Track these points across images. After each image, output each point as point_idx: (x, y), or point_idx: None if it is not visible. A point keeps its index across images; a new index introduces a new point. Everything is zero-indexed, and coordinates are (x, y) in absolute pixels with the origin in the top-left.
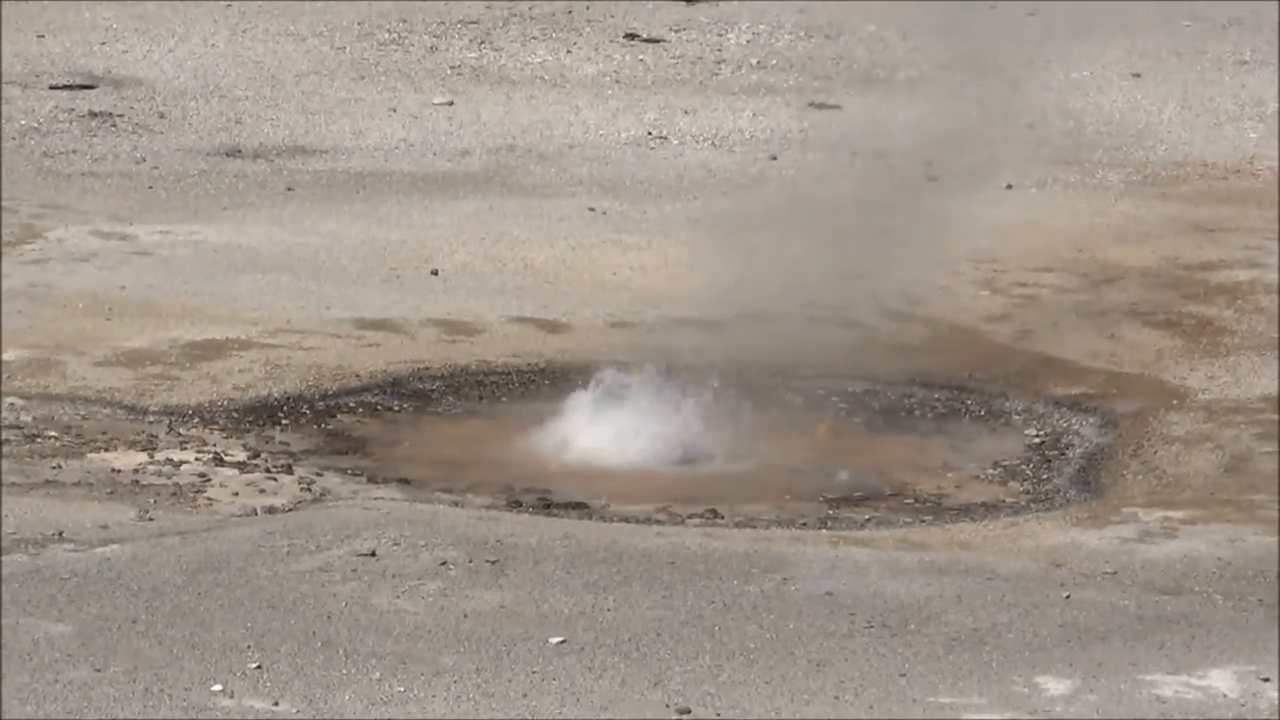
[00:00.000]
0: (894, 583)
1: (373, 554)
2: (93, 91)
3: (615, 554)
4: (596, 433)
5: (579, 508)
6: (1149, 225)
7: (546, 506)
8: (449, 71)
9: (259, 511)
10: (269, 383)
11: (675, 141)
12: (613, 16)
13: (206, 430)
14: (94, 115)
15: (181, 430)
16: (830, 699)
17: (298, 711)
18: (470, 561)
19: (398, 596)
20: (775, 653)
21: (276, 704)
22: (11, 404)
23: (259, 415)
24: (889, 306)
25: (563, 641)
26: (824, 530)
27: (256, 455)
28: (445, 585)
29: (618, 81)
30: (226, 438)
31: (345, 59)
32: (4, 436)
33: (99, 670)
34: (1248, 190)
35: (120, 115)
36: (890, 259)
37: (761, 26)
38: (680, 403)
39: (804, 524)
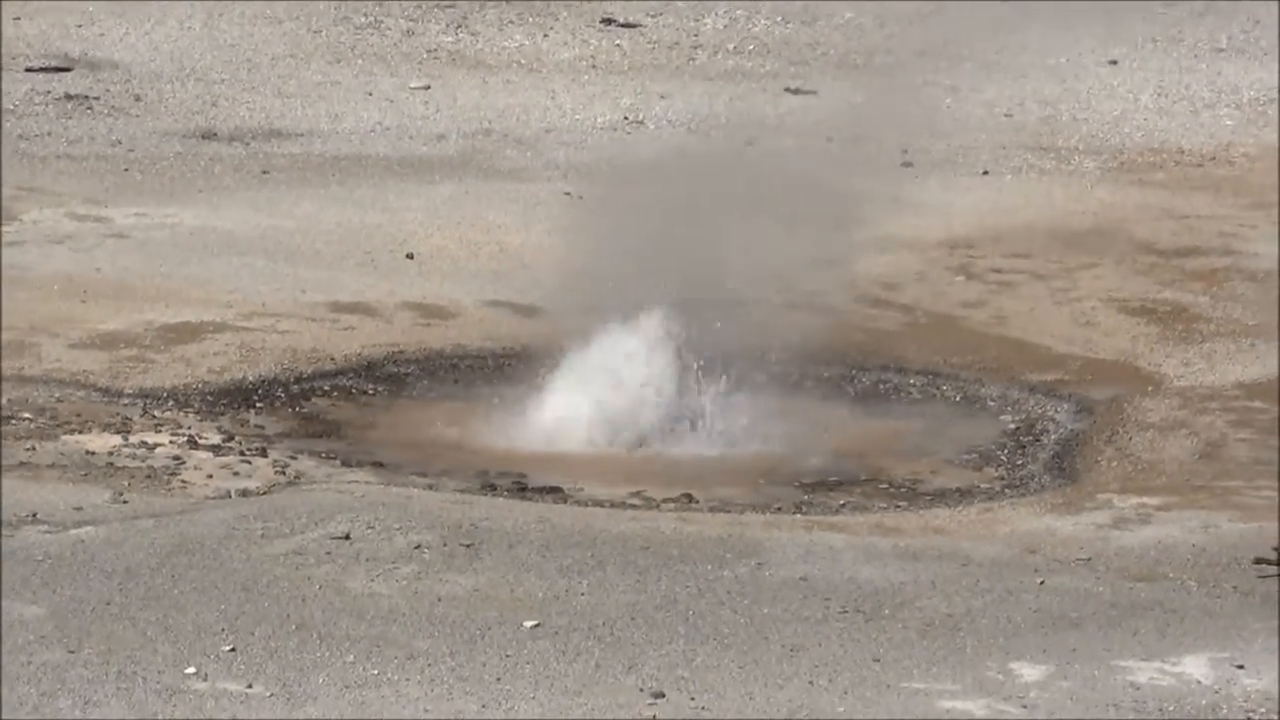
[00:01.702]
0: (868, 568)
1: (347, 537)
2: (69, 74)
3: (590, 538)
4: (571, 416)
5: (553, 492)
6: (1125, 212)
7: (521, 490)
8: (425, 55)
9: (233, 494)
10: (244, 366)
11: (651, 126)
12: (589, 1)
13: (181, 413)
14: (70, 98)
15: (156, 413)
16: (804, 683)
17: (271, 694)
18: (445, 545)
19: (372, 580)
20: (749, 637)
21: (250, 686)
22: None
23: (233, 398)
24: (864, 292)
25: (537, 625)
26: (798, 515)
27: (231, 438)
28: (419, 569)
29: (594, 66)
30: (201, 420)
31: (321, 43)
32: None
33: (73, 652)
34: (1224, 177)
35: (96, 98)
36: (866, 244)
37: (738, 11)
38: (655, 388)
39: (779, 509)
